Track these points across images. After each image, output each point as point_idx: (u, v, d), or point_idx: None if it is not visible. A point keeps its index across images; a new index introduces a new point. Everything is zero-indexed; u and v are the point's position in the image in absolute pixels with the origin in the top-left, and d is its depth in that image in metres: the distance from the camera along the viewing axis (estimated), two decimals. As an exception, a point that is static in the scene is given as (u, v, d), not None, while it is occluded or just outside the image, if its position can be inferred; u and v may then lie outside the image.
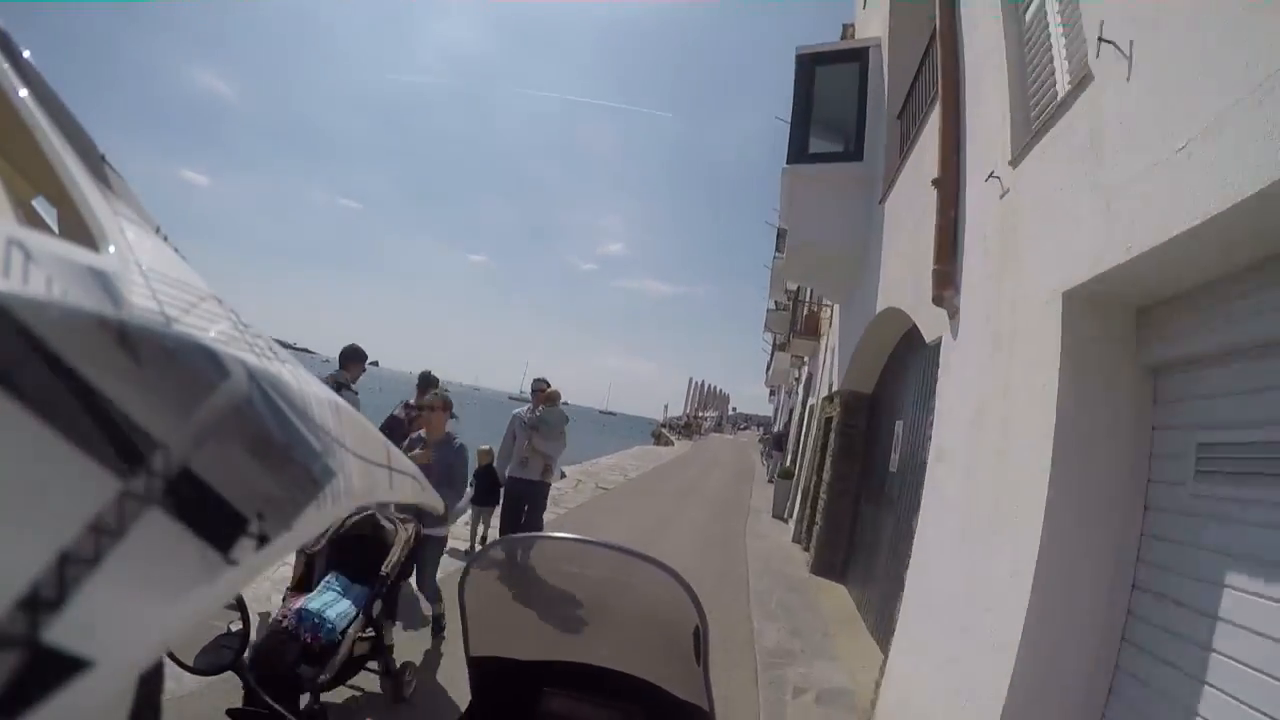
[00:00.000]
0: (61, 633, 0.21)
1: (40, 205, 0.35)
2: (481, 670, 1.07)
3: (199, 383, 0.28)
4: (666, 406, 63.92)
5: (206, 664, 1.02)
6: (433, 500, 0.54)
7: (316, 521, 0.33)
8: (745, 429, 66.56)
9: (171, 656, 1.00)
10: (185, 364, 0.28)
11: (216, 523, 0.27)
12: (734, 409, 66.74)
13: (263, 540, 0.29)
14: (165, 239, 0.39)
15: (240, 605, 1.01)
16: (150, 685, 0.28)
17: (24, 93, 0.32)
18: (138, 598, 0.24)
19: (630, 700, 1.02)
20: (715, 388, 51.63)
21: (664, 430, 40.72)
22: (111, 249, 0.30)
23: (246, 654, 1.01)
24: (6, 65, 0.32)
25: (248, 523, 0.29)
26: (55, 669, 0.21)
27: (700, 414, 44.56)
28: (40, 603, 0.21)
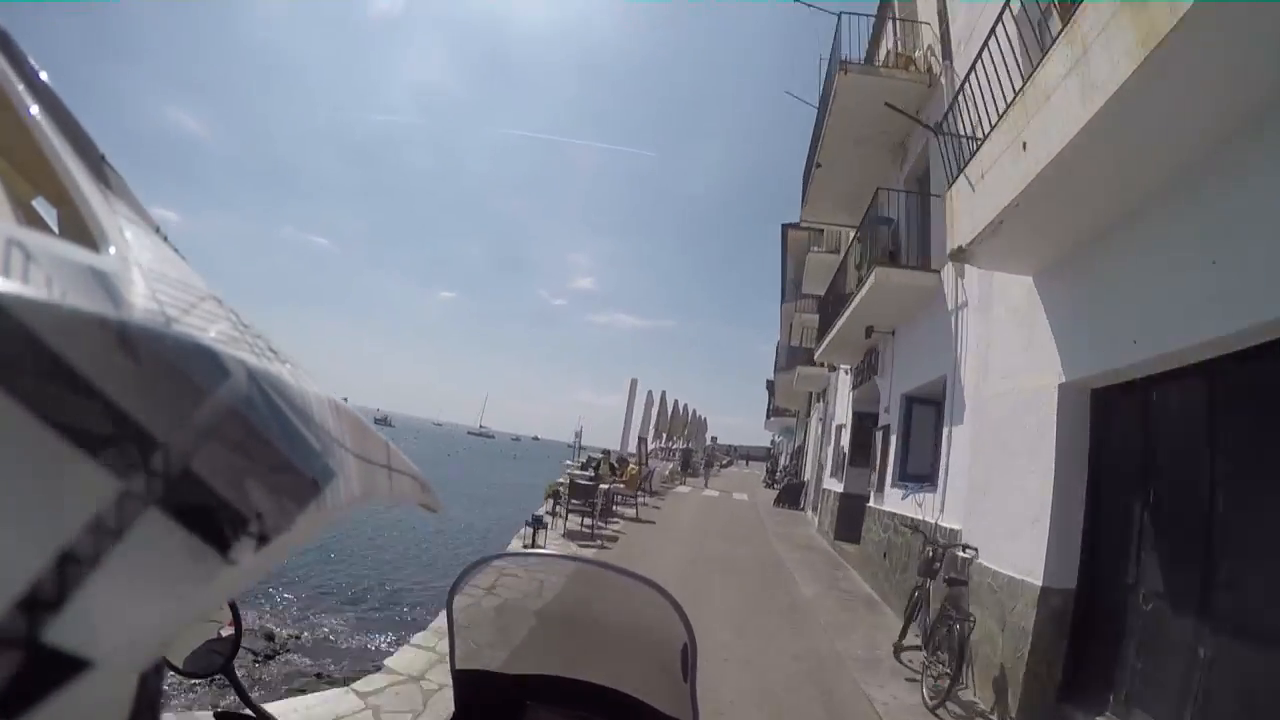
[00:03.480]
0: (61, 633, 0.21)
1: (40, 205, 0.35)
2: (465, 684, 1.08)
3: (199, 383, 0.28)
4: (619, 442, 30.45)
5: (197, 666, 1.02)
6: (433, 501, 0.54)
7: (316, 522, 0.33)
8: (727, 465, 47.01)
9: (167, 663, 1.00)
10: (185, 364, 0.28)
11: (216, 523, 0.27)
12: (713, 438, 51.43)
13: (262, 540, 0.29)
14: (165, 239, 0.39)
15: (233, 609, 1.01)
16: (150, 685, 0.29)
17: (25, 93, 0.32)
18: (137, 598, 0.24)
19: (615, 716, 1.03)
20: (690, 410, 32.06)
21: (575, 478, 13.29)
22: (111, 249, 0.30)
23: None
24: (6, 65, 0.32)
25: (247, 523, 0.29)
26: (55, 669, 0.21)
27: (672, 444, 26.44)
28: (40, 603, 0.21)
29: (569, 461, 15.82)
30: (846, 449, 12.15)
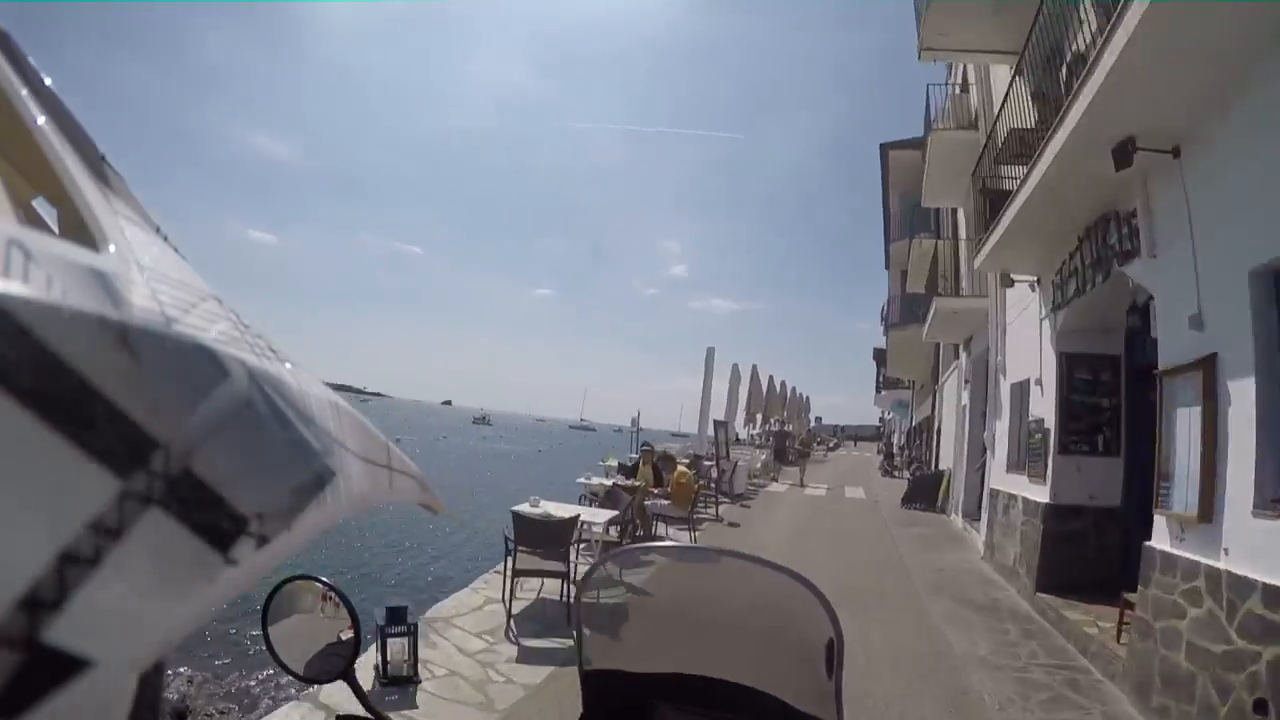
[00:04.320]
0: (61, 633, 0.21)
1: (40, 205, 0.35)
2: (593, 685, 1.04)
3: (199, 383, 0.28)
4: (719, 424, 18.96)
5: (317, 672, 1.02)
6: (433, 500, 0.54)
7: (317, 522, 0.33)
8: (834, 447, 40.84)
9: (280, 664, 0.99)
10: (185, 364, 0.28)
11: (216, 523, 0.27)
12: (817, 418, 45.51)
13: (263, 541, 0.29)
14: (165, 239, 0.39)
15: (351, 612, 0.99)
16: (150, 685, 0.28)
17: (24, 93, 0.32)
18: (138, 598, 0.24)
19: (750, 715, 0.98)
20: (790, 388, 27.40)
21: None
22: (111, 249, 0.30)
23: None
24: (7, 65, 0.32)
25: (248, 523, 0.29)
26: (55, 669, 0.21)
27: (770, 426, 22.91)
28: (40, 603, 0.21)
29: (608, 464, 10.92)
30: (1052, 424, 6.41)
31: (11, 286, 0.22)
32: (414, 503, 0.50)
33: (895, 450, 25.53)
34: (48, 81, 0.35)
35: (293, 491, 0.32)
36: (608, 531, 6.42)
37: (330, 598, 1.01)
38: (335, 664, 1.00)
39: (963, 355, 12.12)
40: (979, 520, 9.21)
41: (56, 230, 0.34)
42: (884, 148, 20.05)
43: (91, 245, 0.30)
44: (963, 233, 11.67)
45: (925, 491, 13.25)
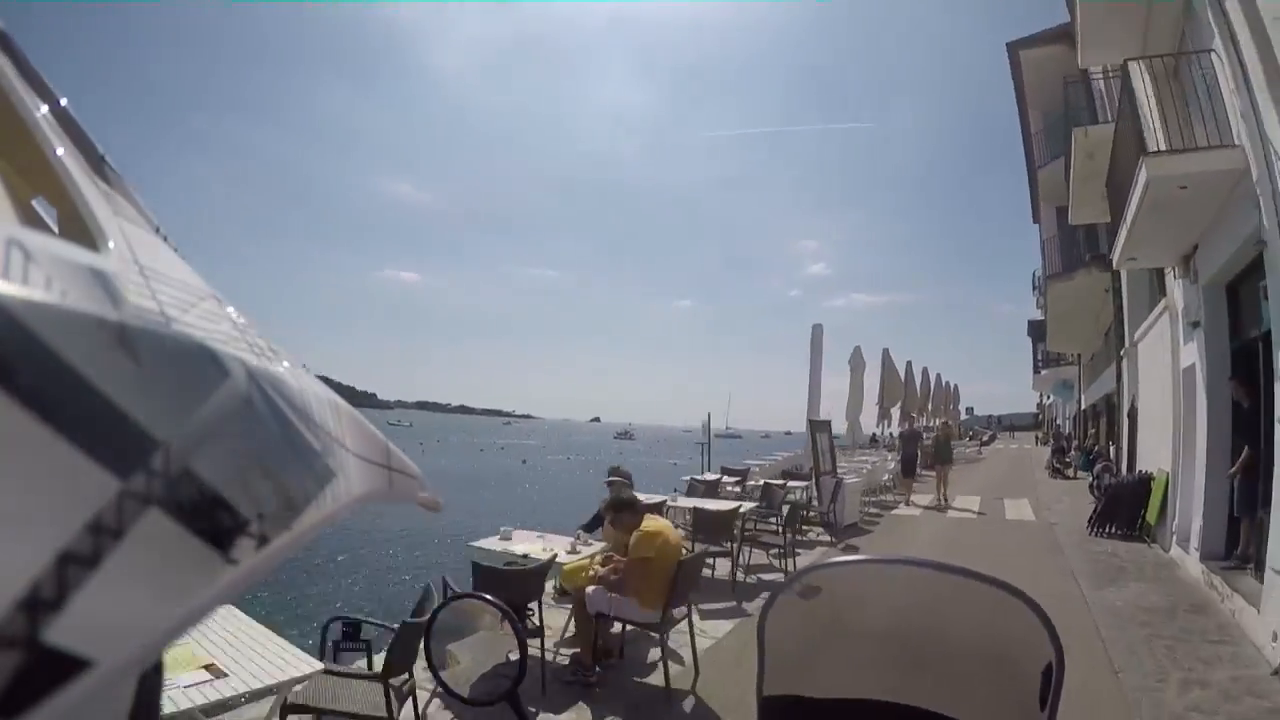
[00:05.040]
0: (61, 633, 0.21)
1: (40, 205, 0.35)
2: (772, 711, 0.97)
3: (199, 383, 0.28)
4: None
5: (483, 692, 1.01)
6: (433, 500, 0.54)
7: (317, 522, 0.33)
8: (988, 441, 35.87)
9: (446, 689, 0.97)
10: (185, 364, 0.28)
11: (216, 523, 0.27)
12: (968, 409, 42.50)
13: (263, 541, 0.29)
14: (165, 239, 0.39)
15: (517, 632, 0.97)
16: (150, 685, 0.29)
17: (25, 94, 0.32)
18: (138, 598, 0.24)
19: None
20: (935, 376, 22.38)
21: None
22: (111, 249, 0.30)
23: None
24: (8, 65, 0.32)
25: (248, 523, 0.29)
26: (55, 669, 0.21)
27: (914, 424, 15.66)
28: (40, 603, 0.21)
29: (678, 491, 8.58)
30: None
31: (11, 286, 0.22)
32: (414, 502, 0.50)
33: (1065, 443, 19.85)
34: (48, 82, 0.35)
35: (293, 491, 0.32)
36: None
37: (495, 616, 1.00)
38: (500, 685, 0.97)
39: (1179, 286, 7.02)
40: (1245, 569, 5.15)
41: (56, 230, 0.34)
42: (1012, 47, 14.69)
43: (91, 245, 0.30)
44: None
45: (1123, 508, 8.40)
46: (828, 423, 10.60)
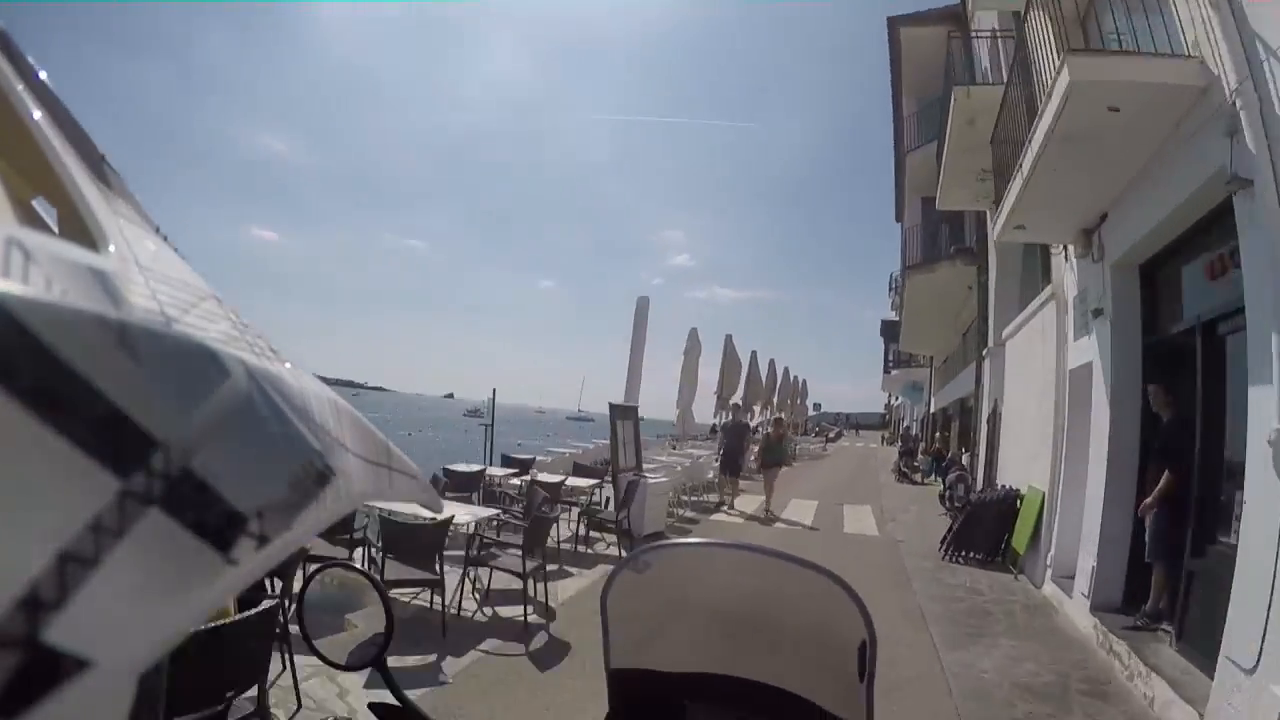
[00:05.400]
0: (61, 633, 0.21)
1: (40, 205, 0.35)
2: (621, 683, 1.03)
3: (199, 383, 0.28)
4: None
5: (355, 660, 1.06)
6: (433, 500, 0.54)
7: (316, 521, 0.33)
8: (834, 438, 36.06)
9: (321, 657, 1.03)
10: (185, 364, 0.28)
11: (216, 523, 0.27)
12: (816, 405, 42.84)
13: (263, 540, 0.29)
14: (165, 239, 0.39)
15: (385, 604, 1.02)
16: (150, 685, 0.29)
17: (25, 94, 0.32)
18: (138, 598, 0.24)
19: (781, 716, 0.97)
20: (783, 370, 21.42)
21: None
22: (111, 249, 0.30)
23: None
24: (7, 65, 0.32)
25: (248, 523, 0.28)
26: (55, 669, 0.21)
27: (725, 417, 12.95)
28: (40, 603, 0.21)
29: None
30: None
31: (11, 286, 0.22)
32: (413, 502, 0.51)
33: (911, 444, 19.44)
34: (48, 82, 0.35)
35: (293, 491, 0.32)
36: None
37: (363, 585, 1.03)
38: (369, 653, 1.01)
39: (1071, 269, 5.78)
40: (1157, 633, 4.07)
41: (56, 230, 0.34)
42: (893, 23, 13.96)
43: (91, 245, 0.30)
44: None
45: (983, 530, 7.09)
46: (634, 409, 8.62)
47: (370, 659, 1.00)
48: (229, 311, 0.35)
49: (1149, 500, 4.12)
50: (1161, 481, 4.02)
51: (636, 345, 9.85)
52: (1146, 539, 4.18)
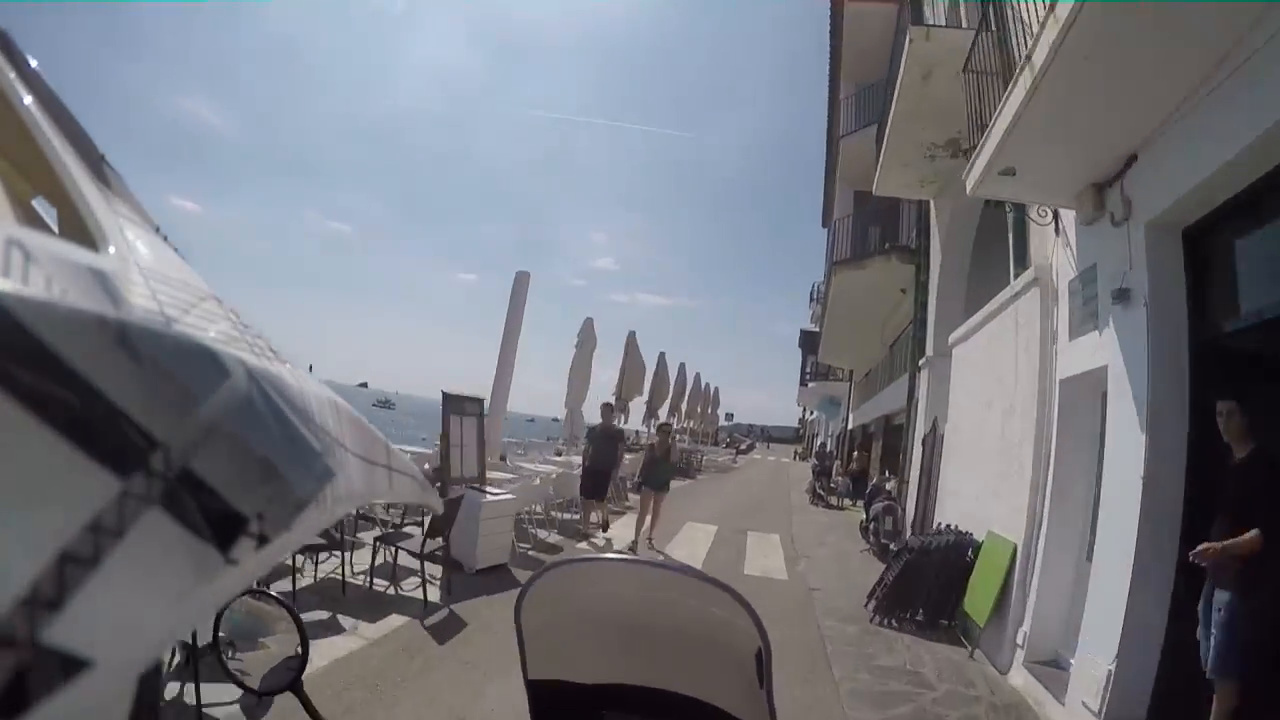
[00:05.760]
0: (61, 633, 0.21)
1: (40, 205, 0.35)
2: (539, 693, 1.07)
3: (199, 383, 0.28)
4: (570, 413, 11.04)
5: (271, 684, 1.07)
6: (432, 500, 0.54)
7: (316, 522, 0.33)
8: (746, 450, 35.09)
9: (236, 682, 1.06)
10: (185, 364, 0.28)
11: (216, 523, 0.27)
12: (729, 414, 42.21)
13: (263, 540, 0.29)
14: (165, 239, 0.40)
15: (299, 628, 1.03)
16: (150, 685, 0.29)
17: (25, 94, 0.32)
18: (138, 598, 0.24)
19: None
20: (694, 376, 19.74)
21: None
22: (111, 249, 0.30)
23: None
24: (8, 67, 0.32)
25: (248, 523, 0.29)
26: (55, 669, 0.21)
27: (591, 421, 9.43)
28: (40, 603, 0.21)
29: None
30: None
31: (11, 286, 0.22)
32: (413, 502, 0.51)
33: (827, 460, 17.57)
34: (48, 82, 0.35)
35: (293, 491, 0.32)
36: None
37: (277, 611, 1.06)
38: (286, 677, 1.04)
39: (1066, 238, 4.33)
40: None
41: (56, 230, 0.34)
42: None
43: (91, 245, 0.30)
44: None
45: (925, 587, 5.42)
46: (478, 401, 6.45)
47: (287, 683, 1.03)
48: (229, 311, 0.35)
49: (1221, 568, 2.56)
50: (1244, 543, 2.49)
51: (511, 329, 8.07)
52: (1212, 635, 2.59)
